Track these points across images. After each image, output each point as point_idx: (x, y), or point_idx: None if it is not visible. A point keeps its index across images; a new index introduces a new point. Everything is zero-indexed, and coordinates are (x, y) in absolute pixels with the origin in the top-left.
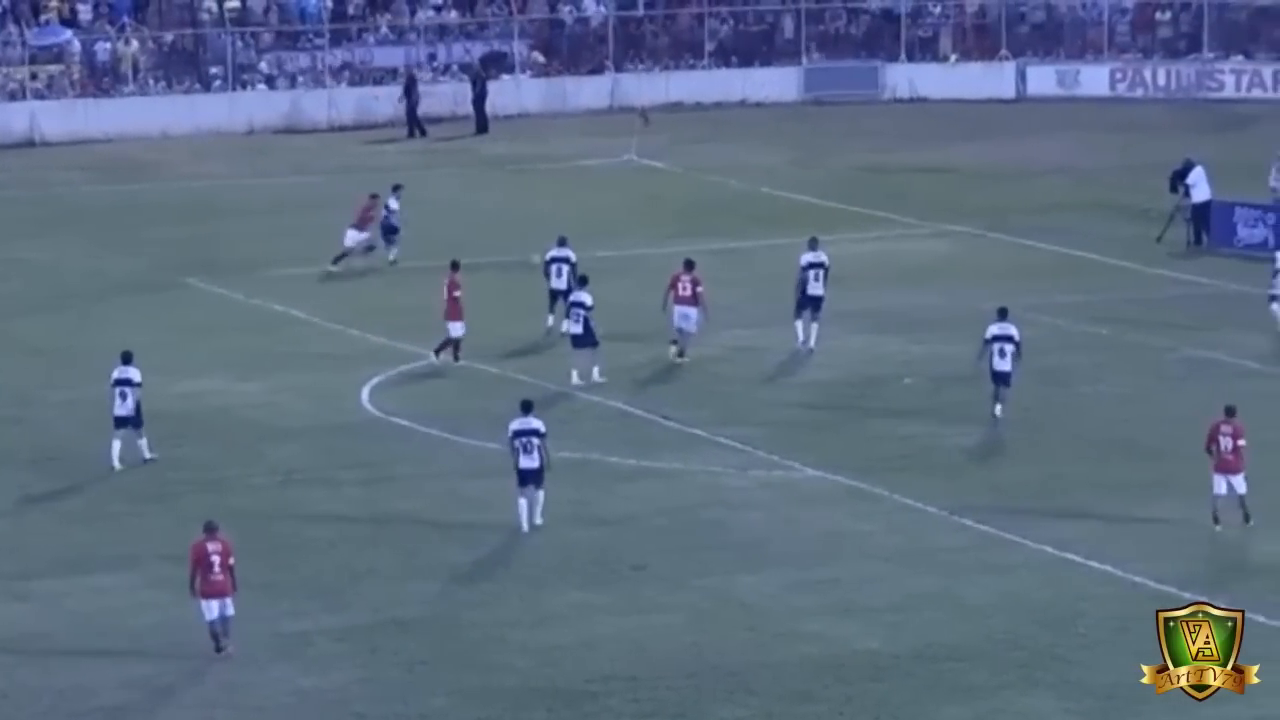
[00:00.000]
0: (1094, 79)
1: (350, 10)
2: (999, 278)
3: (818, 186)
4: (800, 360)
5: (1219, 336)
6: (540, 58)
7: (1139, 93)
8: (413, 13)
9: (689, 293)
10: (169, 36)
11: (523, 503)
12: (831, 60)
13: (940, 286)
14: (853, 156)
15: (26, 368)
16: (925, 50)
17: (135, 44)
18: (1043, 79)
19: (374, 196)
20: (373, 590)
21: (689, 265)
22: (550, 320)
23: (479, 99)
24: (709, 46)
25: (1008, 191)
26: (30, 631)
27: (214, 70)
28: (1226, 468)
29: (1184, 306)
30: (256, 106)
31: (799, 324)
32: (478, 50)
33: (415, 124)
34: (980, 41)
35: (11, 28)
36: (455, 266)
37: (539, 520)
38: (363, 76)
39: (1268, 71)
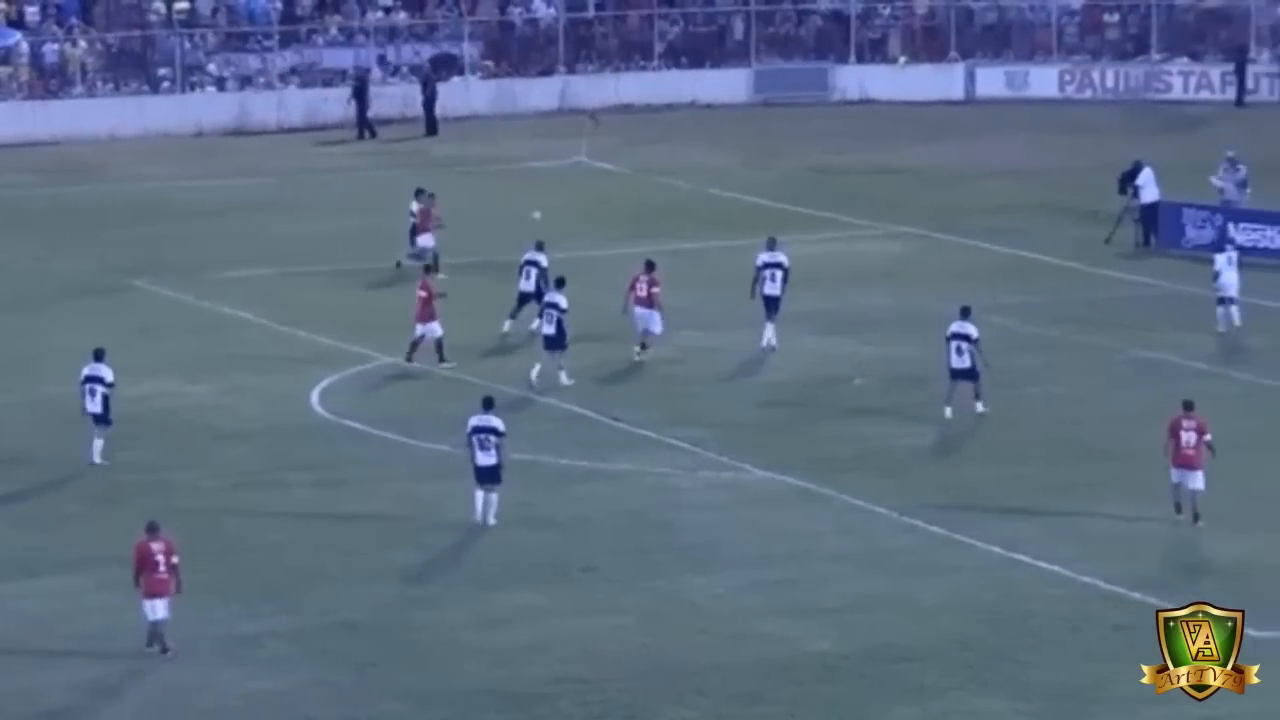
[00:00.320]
0: (1043, 80)
1: (299, 12)
2: (949, 279)
3: (768, 188)
4: (750, 361)
5: (1167, 337)
6: (490, 64)
7: (1087, 94)
8: (362, 14)
9: (644, 293)
10: (117, 38)
11: (479, 495)
12: (781, 62)
13: (890, 287)
14: (803, 158)
15: None
16: (875, 52)
17: (83, 45)
18: (991, 80)
19: (430, 195)
20: (323, 592)
21: (649, 266)
22: (508, 325)
23: (429, 101)
24: (659, 48)
25: (957, 193)
26: None
27: (162, 72)
28: (1186, 462)
29: (1132, 307)
30: (205, 108)
31: (767, 325)
32: (427, 52)
33: (365, 126)
34: (929, 43)
35: None
36: (428, 269)
37: (491, 522)
38: (312, 78)
39: (1215, 73)
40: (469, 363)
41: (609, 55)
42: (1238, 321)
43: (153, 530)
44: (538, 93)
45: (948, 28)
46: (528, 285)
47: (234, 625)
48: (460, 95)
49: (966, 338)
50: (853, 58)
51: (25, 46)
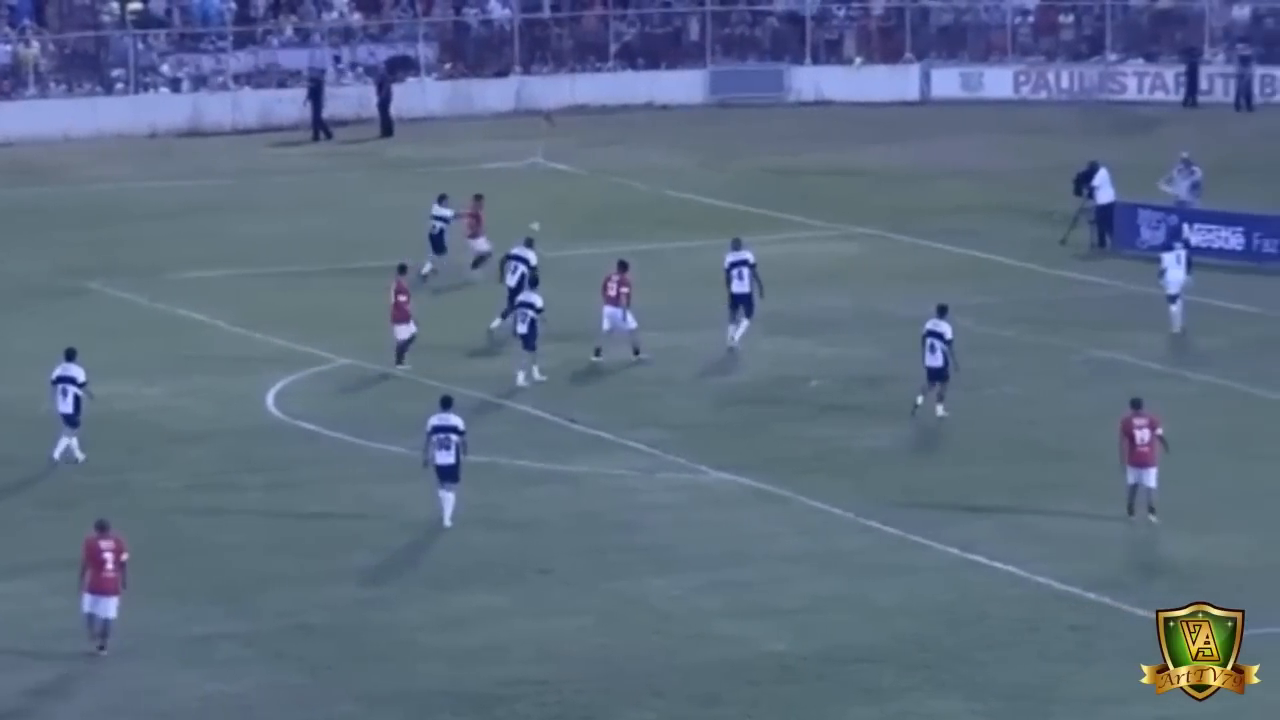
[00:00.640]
0: (997, 81)
1: (253, 13)
2: (905, 280)
3: (724, 189)
4: (708, 362)
5: (1123, 337)
6: (447, 65)
7: (1042, 95)
8: (318, 15)
9: (614, 293)
10: (70, 39)
11: (441, 494)
12: (737, 63)
13: (846, 288)
14: (759, 159)
15: None
16: (830, 53)
17: (36, 46)
18: (947, 81)
19: (478, 197)
20: (278, 594)
21: (622, 266)
22: (496, 322)
23: (384, 102)
24: (614, 49)
25: (913, 193)
26: None
27: (116, 73)
28: (1140, 460)
29: (1088, 308)
30: (159, 109)
31: (730, 325)
32: (383, 53)
33: (320, 127)
34: (885, 44)
35: None
36: (402, 270)
37: (447, 524)
38: (267, 79)
39: (1169, 74)
40: (424, 364)
41: (564, 56)
42: (1181, 321)
43: (102, 528)
44: (493, 94)
45: (903, 29)
46: (511, 280)
47: (190, 627)
48: (415, 96)
49: (939, 336)
50: (808, 59)
51: None
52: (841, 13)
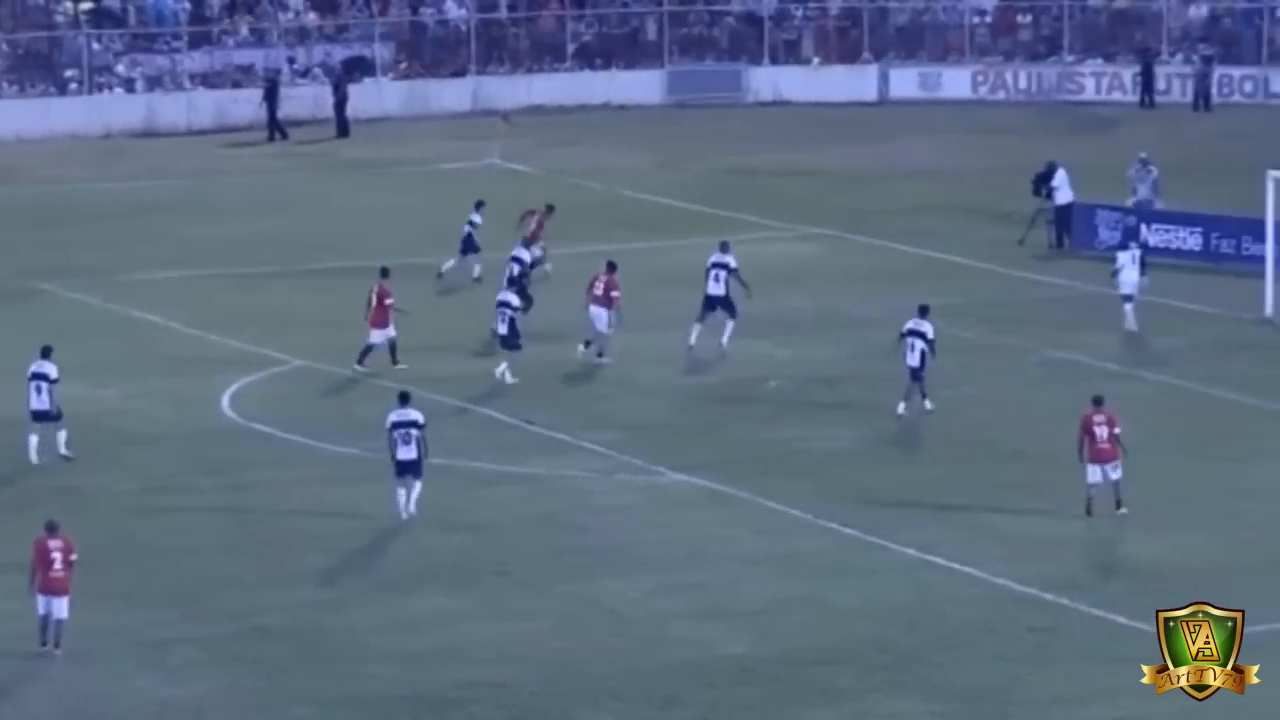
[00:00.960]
0: (956, 82)
1: (208, 13)
2: (863, 280)
3: (682, 189)
4: (665, 364)
5: (1080, 338)
6: (403, 66)
7: (1000, 95)
8: (274, 15)
9: (601, 293)
10: (23, 39)
11: (401, 492)
12: (695, 63)
13: (804, 289)
14: (717, 159)
15: None
16: (788, 53)
17: None
18: (905, 82)
19: (550, 208)
20: (233, 598)
21: (610, 267)
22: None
23: (340, 102)
24: (571, 49)
25: (871, 194)
26: None
27: (69, 73)
28: (1102, 456)
29: (1046, 309)
30: (113, 109)
31: (696, 325)
32: (339, 53)
33: (276, 127)
34: (843, 44)
35: None
36: (385, 273)
37: (413, 509)
38: (222, 80)
39: (1127, 74)
40: (380, 365)
41: (521, 56)
42: (1135, 321)
43: (52, 528)
44: (450, 94)
45: (861, 29)
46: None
47: (144, 631)
48: (372, 97)
49: (922, 335)
50: (766, 59)
51: None
52: (799, 13)
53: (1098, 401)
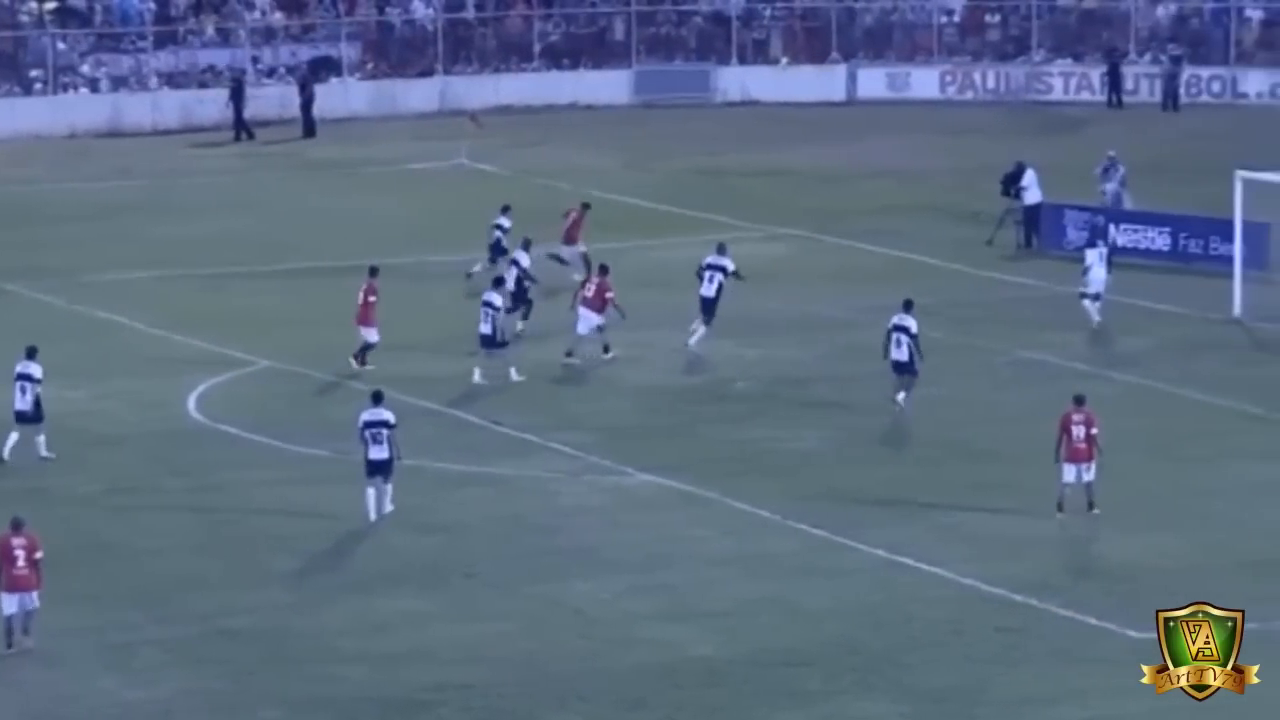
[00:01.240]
0: (924, 82)
1: (173, 12)
2: (832, 280)
3: (650, 190)
4: (634, 364)
5: (1049, 338)
6: (370, 66)
7: (968, 95)
8: (240, 14)
9: (592, 295)
10: None
11: (370, 492)
12: (662, 63)
13: (773, 289)
14: (685, 159)
15: None
16: (756, 53)
17: None
18: (873, 82)
19: (586, 206)
20: (200, 599)
21: (603, 270)
22: (520, 325)
23: (306, 102)
24: (538, 49)
25: (839, 194)
26: None
27: (34, 73)
28: (1077, 456)
29: (1014, 309)
30: (78, 109)
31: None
32: (305, 53)
33: (242, 127)
34: (811, 44)
35: None
36: (374, 272)
37: (389, 508)
38: (187, 79)
39: (1095, 74)
40: (346, 366)
41: (488, 56)
42: (1098, 318)
43: (16, 526)
44: (417, 94)
45: (829, 29)
46: (509, 284)
47: (109, 633)
48: (338, 96)
49: (906, 330)
50: (734, 59)
51: None
52: (767, 13)
53: (1079, 401)
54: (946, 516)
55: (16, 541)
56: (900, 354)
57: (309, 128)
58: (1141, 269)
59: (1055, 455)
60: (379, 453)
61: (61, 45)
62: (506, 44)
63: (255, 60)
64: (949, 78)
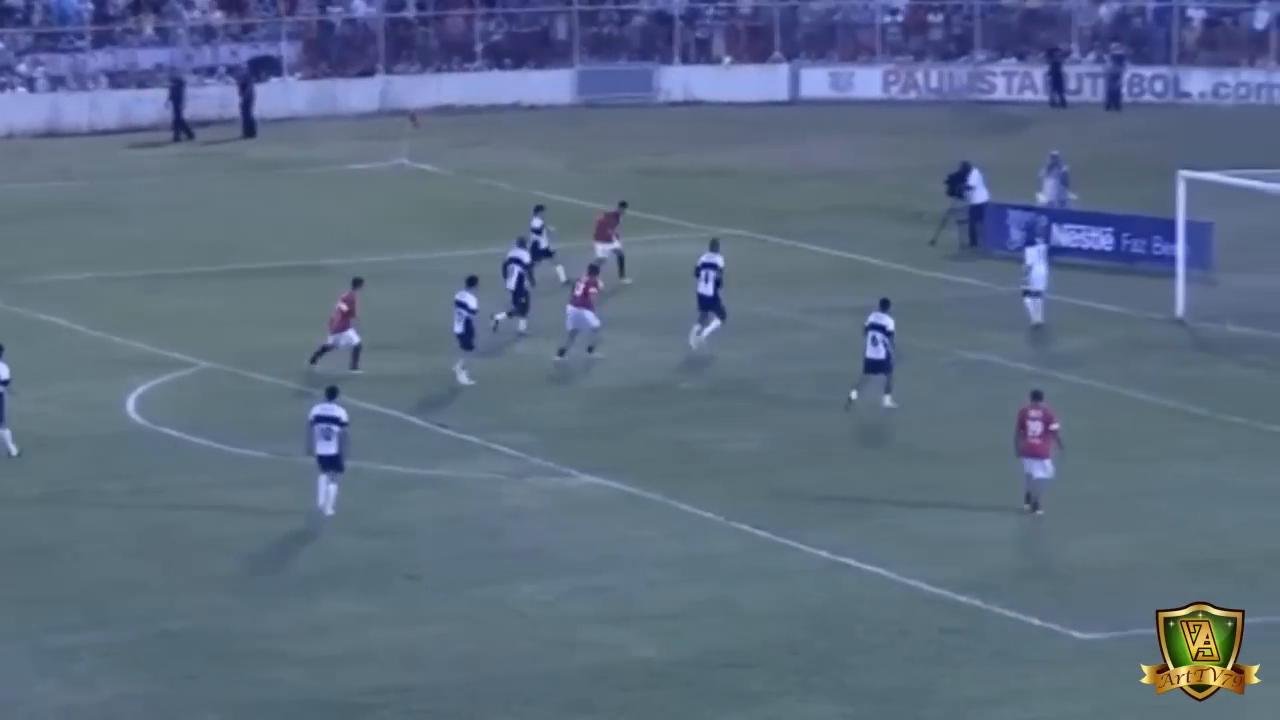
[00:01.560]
0: (867, 81)
1: (112, 11)
2: (775, 281)
3: (594, 190)
4: (577, 365)
5: (992, 338)
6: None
7: (912, 95)
8: (179, 13)
9: (581, 292)
10: None
11: (322, 479)
12: (605, 63)
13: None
14: (628, 160)
15: None
16: (699, 53)
17: None
18: (816, 81)
19: (623, 204)
20: (139, 603)
21: (592, 270)
22: (523, 324)
23: (246, 102)
24: (480, 48)
25: (783, 194)
26: None
27: None
28: (1034, 451)
29: (958, 309)
30: (16, 109)
31: (696, 326)
32: (245, 52)
33: (181, 127)
34: (754, 44)
35: None
36: (357, 284)
37: (329, 512)
38: (127, 79)
39: (1038, 74)
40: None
41: (430, 55)
42: (1040, 317)
43: None
44: (358, 94)
45: (772, 28)
46: (510, 283)
47: (48, 637)
48: (279, 96)
49: (882, 329)
50: (677, 58)
51: None
52: (710, 12)
53: (1036, 396)
54: (890, 517)
55: None
56: (877, 352)
57: (249, 128)
58: (1084, 269)
59: (1015, 451)
60: (327, 448)
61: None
62: (448, 43)
63: (188, 59)
64: (892, 77)
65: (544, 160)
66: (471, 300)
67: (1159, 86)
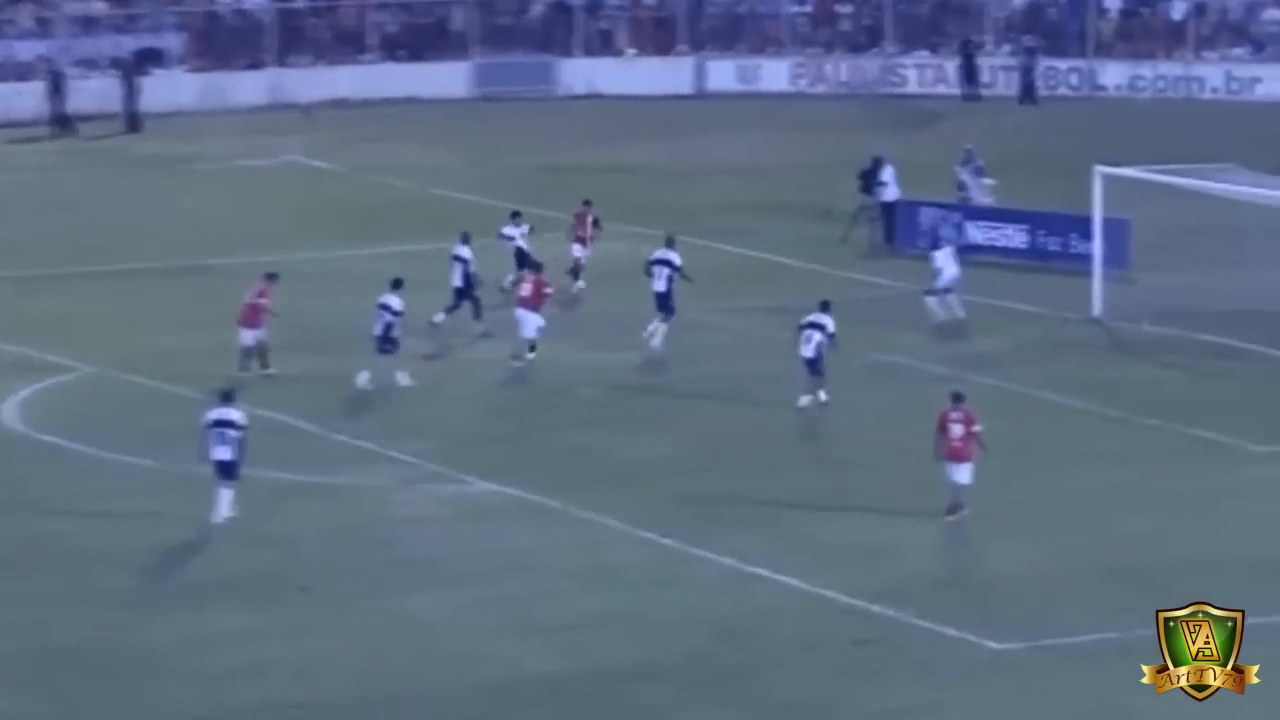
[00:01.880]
0: (774, 74)
1: None
2: (682, 282)
3: (492, 187)
4: (476, 370)
5: (905, 340)
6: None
7: (820, 88)
8: (59, 4)
9: (529, 294)
10: None
11: (219, 486)
12: (503, 55)
13: (617, 291)
14: (528, 156)
15: None
16: (602, 44)
17: None
18: (722, 74)
19: (586, 203)
20: (20, 618)
21: (537, 268)
22: (440, 317)
23: (130, 95)
24: (374, 40)
25: (689, 191)
26: None
27: None
28: (956, 455)
29: (870, 309)
30: None
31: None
32: (129, 44)
33: (62, 121)
34: (658, 35)
35: None
36: (271, 277)
37: (226, 513)
38: (4, 71)
39: (950, 66)
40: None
41: (322, 47)
42: (961, 312)
43: None
44: (247, 87)
45: (677, 19)
46: (456, 280)
47: None
48: (165, 89)
49: (821, 328)
50: (578, 50)
51: None
52: (613, 2)
53: (957, 398)
54: (800, 524)
55: None
56: (807, 351)
57: (133, 122)
58: (999, 267)
59: (935, 454)
60: (222, 453)
61: None
62: (341, 34)
63: (65, 50)
64: (800, 70)
65: (441, 156)
66: (396, 302)
67: (1074, 79)
